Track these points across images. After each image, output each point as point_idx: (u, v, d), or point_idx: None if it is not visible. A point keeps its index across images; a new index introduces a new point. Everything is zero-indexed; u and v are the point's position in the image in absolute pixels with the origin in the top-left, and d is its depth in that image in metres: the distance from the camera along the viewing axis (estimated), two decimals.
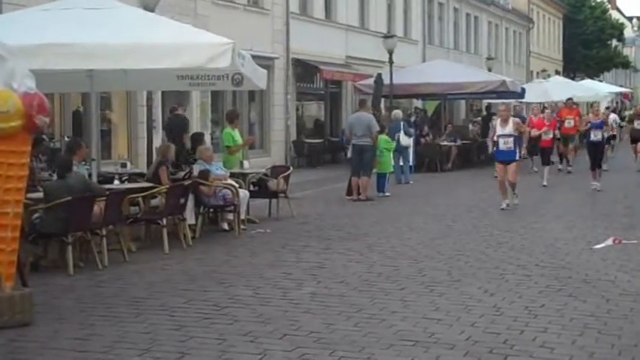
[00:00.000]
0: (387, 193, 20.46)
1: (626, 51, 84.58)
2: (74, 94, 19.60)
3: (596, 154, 22.41)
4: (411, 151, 24.88)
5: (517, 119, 19.43)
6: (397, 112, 25.11)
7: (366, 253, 12.42)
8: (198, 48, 12.06)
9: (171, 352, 7.36)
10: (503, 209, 17.23)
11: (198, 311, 8.86)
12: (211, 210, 14.81)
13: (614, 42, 73.55)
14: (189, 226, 13.50)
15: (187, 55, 11.90)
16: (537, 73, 57.55)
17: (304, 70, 30.79)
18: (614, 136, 31.68)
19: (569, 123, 26.79)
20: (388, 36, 31.86)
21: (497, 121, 18.35)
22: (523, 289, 9.95)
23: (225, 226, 14.79)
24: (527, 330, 8.08)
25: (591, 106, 30.58)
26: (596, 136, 22.68)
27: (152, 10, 16.03)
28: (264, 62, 22.99)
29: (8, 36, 9.77)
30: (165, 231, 12.63)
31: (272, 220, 16.10)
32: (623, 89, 65.99)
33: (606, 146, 25.69)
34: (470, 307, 9.00)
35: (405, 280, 10.43)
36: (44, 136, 15.02)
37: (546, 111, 28.90)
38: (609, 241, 13.08)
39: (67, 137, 18.75)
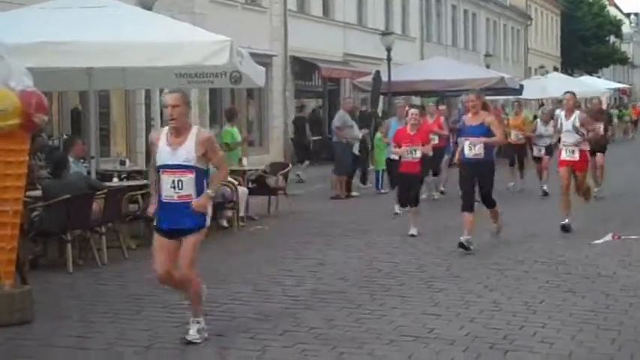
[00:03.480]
0: (383, 190, 20.31)
1: (624, 47, 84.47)
2: (72, 92, 19.57)
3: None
4: None
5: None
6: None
7: (366, 250, 12.43)
8: (196, 46, 12.07)
9: (171, 349, 7.37)
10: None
11: None
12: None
13: (612, 38, 73.49)
14: None
15: (185, 53, 11.90)
16: (535, 69, 57.54)
17: (302, 68, 30.76)
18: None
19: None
20: (386, 33, 31.82)
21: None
22: (522, 284, 9.96)
23: (225, 223, 14.79)
24: (526, 325, 8.09)
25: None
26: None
27: (150, 9, 16.02)
28: (262, 60, 22.95)
29: (6, 34, 9.78)
30: None
31: (271, 217, 16.10)
32: (621, 85, 65.91)
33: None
34: (469, 303, 9.01)
35: (405, 276, 10.44)
36: (42, 134, 15.01)
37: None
38: (608, 237, 13.08)
39: (66, 135, 18.74)
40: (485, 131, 12.13)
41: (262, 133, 29.53)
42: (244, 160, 17.12)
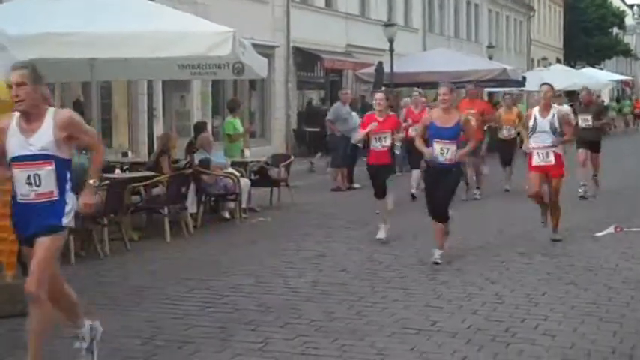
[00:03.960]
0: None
1: (627, 39, 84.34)
2: (75, 83, 19.57)
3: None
4: None
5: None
6: (406, 101, 24.98)
7: (367, 242, 12.42)
8: (198, 37, 12.04)
9: (173, 341, 7.37)
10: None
11: (199, 300, 8.87)
12: (212, 199, 14.82)
13: (615, 30, 73.38)
14: (191, 215, 13.50)
15: (188, 44, 11.88)
16: (538, 61, 57.42)
17: (305, 59, 30.74)
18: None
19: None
20: (389, 24, 31.76)
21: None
22: (524, 276, 9.96)
23: (227, 214, 14.80)
24: (528, 318, 8.09)
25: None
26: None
27: None
28: (265, 51, 22.94)
29: (9, 25, 9.77)
30: (166, 220, 12.64)
31: (273, 209, 16.10)
32: (623, 77, 65.81)
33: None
34: (472, 295, 9.02)
35: (406, 269, 10.44)
36: None
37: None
38: (611, 229, 13.07)
39: None
40: (458, 132, 10.77)
41: (264, 124, 29.53)
42: (246, 152, 17.12)
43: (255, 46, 14.32)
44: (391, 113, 13.10)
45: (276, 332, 7.62)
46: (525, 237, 12.72)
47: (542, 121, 12.05)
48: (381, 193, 12.64)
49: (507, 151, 19.26)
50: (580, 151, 17.42)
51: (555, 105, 12.58)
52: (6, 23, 10.03)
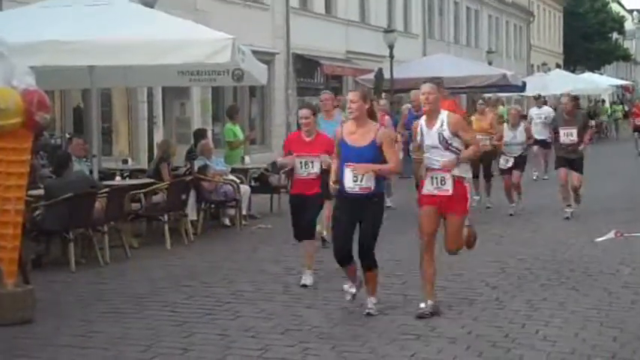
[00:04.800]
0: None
1: (627, 44, 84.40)
2: (75, 90, 19.57)
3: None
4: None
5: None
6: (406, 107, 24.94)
7: None
8: (198, 44, 12.07)
9: (173, 348, 7.36)
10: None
11: (200, 307, 8.86)
12: (213, 206, 14.82)
13: (615, 35, 73.41)
14: (191, 222, 13.50)
15: (188, 50, 11.90)
16: (538, 66, 57.43)
17: (305, 66, 30.75)
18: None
19: None
20: (388, 30, 31.79)
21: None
22: (524, 282, 9.96)
23: (227, 221, 14.80)
24: (528, 323, 8.09)
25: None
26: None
27: (152, 6, 16.01)
28: (265, 57, 22.94)
29: (8, 33, 9.77)
30: (166, 227, 12.64)
31: (273, 216, 16.08)
32: (624, 82, 65.85)
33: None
34: (472, 301, 9.01)
35: (407, 275, 10.42)
36: (45, 133, 15.00)
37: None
38: (611, 234, 13.06)
39: (68, 134, 18.74)
40: (376, 154, 8.25)
41: (264, 130, 29.52)
42: (247, 159, 17.12)
43: (255, 52, 14.34)
44: (322, 133, 10.15)
45: (277, 339, 7.62)
46: (525, 242, 12.72)
47: (429, 132, 8.47)
48: (300, 233, 10.14)
49: (481, 162, 16.04)
50: (561, 170, 15.00)
51: (444, 110, 8.54)
52: (5, 31, 10.03)
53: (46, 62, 11.06)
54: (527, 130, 16.54)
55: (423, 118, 8.59)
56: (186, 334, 7.78)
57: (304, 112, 9.95)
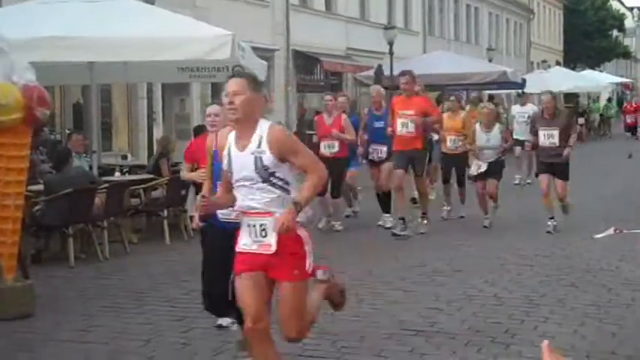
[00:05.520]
0: None
1: (627, 41, 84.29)
2: (74, 86, 19.59)
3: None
4: None
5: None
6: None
7: (366, 244, 12.42)
8: (198, 40, 12.08)
9: (172, 343, 7.37)
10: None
11: (199, 302, 8.81)
12: None
13: (615, 32, 73.34)
14: (190, 217, 13.49)
15: (187, 47, 11.92)
16: (538, 63, 57.37)
17: (304, 62, 30.76)
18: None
19: (404, 126, 13.01)
20: (388, 27, 31.79)
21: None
22: (524, 278, 9.96)
23: None
24: (528, 319, 8.09)
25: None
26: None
27: (152, 3, 16.03)
28: (265, 54, 22.94)
29: (8, 29, 9.77)
30: (166, 222, 12.65)
31: None
32: (624, 79, 65.80)
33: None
34: (471, 297, 9.01)
35: (406, 271, 10.43)
36: (44, 128, 15.00)
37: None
38: (610, 231, 13.04)
39: (68, 130, 18.75)
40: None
41: None
42: None
43: (254, 49, 14.33)
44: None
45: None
46: (525, 238, 12.72)
47: (238, 156, 5.46)
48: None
49: (452, 168, 15.19)
50: (542, 177, 13.40)
51: (264, 121, 5.49)
52: (5, 27, 10.04)
53: (45, 58, 11.06)
54: (506, 136, 14.34)
55: (232, 134, 5.56)
56: (186, 329, 7.78)
57: (213, 109, 7.51)
